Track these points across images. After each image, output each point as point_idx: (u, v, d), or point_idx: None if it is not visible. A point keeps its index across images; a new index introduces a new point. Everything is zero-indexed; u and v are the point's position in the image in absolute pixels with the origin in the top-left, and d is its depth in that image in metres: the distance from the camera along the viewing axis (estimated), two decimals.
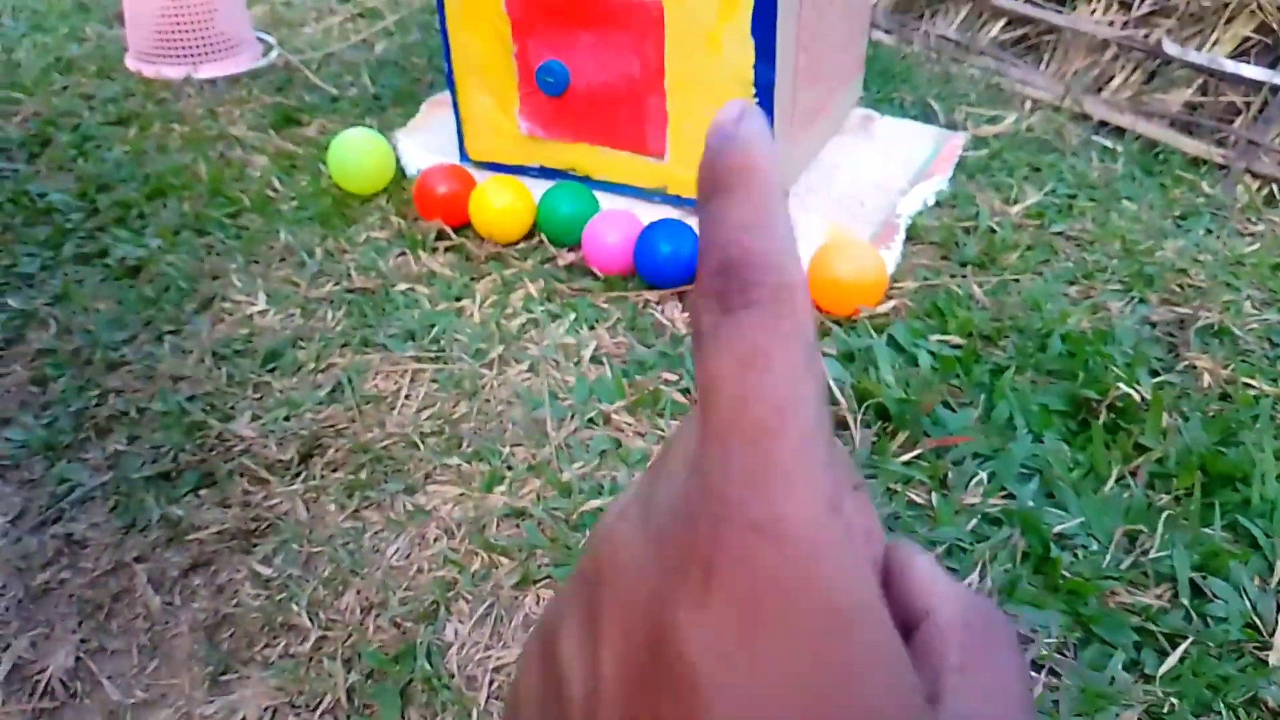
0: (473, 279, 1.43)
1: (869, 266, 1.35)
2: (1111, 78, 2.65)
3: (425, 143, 1.74)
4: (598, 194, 1.53)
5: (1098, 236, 1.53)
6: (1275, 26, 2.48)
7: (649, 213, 1.48)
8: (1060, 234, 1.55)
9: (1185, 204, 1.67)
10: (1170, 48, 2.48)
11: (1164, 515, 1.03)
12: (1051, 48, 2.78)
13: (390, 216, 1.58)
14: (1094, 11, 2.75)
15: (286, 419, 1.14)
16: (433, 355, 1.25)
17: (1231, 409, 1.18)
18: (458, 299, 1.38)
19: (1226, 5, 2.49)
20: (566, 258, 1.50)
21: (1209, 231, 1.58)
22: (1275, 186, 2.25)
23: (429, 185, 1.55)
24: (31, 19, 2.33)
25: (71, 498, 1.11)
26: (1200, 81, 2.50)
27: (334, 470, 1.08)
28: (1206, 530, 1.02)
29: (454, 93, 1.59)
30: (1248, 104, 2.42)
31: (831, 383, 1.16)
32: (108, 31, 2.28)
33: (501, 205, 1.51)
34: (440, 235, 1.53)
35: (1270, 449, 1.09)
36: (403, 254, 1.49)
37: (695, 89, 1.41)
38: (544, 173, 1.60)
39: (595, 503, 0.98)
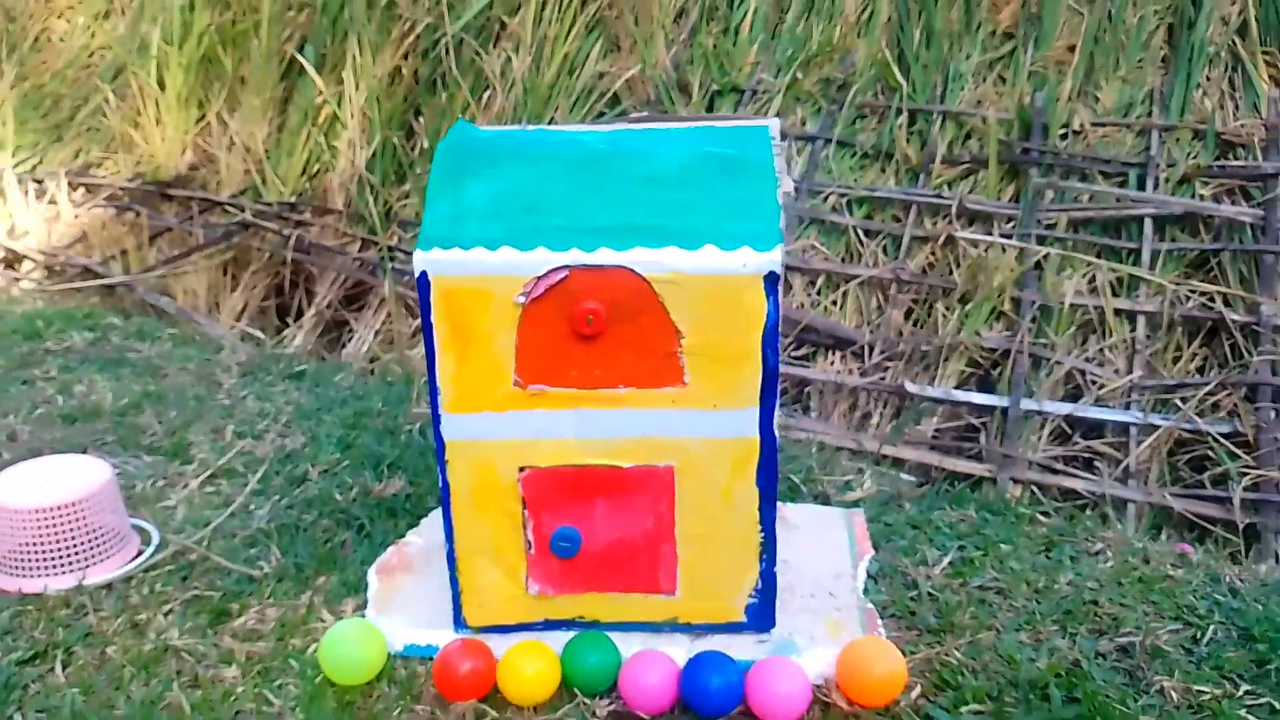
0: None
1: (894, 659, 1.55)
2: (868, 415, 3.19)
3: (398, 620, 1.73)
4: (609, 634, 1.62)
5: (1009, 583, 1.86)
6: (980, 360, 3.16)
7: (662, 643, 1.60)
8: (980, 586, 1.86)
9: (1036, 534, 2.07)
10: (911, 387, 3.06)
11: None
12: (807, 396, 3.29)
13: (410, 707, 1.56)
14: (832, 364, 3.32)
15: None
16: None
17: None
18: None
19: (941, 348, 3.13)
20: (603, 706, 1.56)
21: (1073, 559, 1.97)
22: (1034, 489, 2.80)
23: (451, 666, 1.56)
24: None
25: None
26: (941, 410, 3.09)
27: None
28: None
29: (453, 570, 1.64)
30: (984, 424, 3.02)
31: None
32: None
33: (533, 671, 1.56)
34: (478, 716, 1.53)
35: None
36: None
37: (706, 533, 1.59)
38: (550, 625, 1.67)
39: None
